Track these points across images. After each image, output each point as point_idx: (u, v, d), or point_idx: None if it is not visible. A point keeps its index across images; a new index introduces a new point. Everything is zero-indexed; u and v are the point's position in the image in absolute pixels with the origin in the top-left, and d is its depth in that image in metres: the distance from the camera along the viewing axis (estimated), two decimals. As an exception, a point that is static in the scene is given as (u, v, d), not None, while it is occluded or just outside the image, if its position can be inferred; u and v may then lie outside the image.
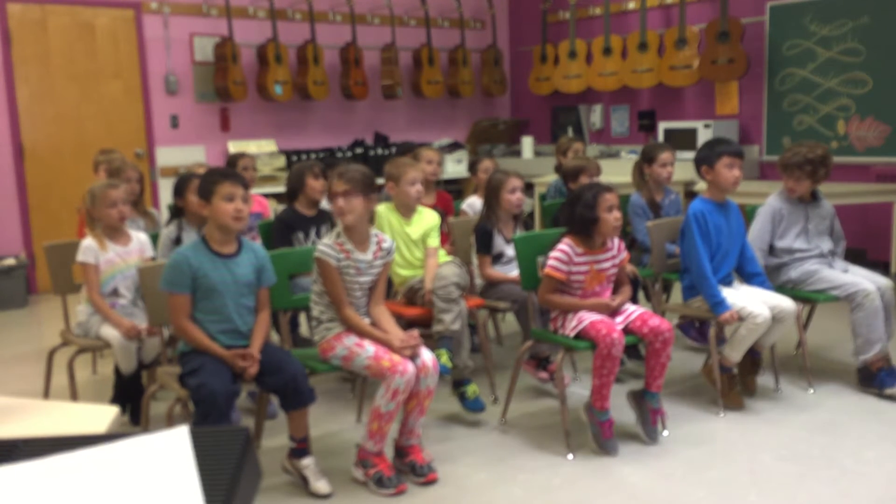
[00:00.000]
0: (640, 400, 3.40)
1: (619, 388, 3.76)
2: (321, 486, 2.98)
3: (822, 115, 6.62)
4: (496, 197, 4.04)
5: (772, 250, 4.06)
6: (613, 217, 3.32)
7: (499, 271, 4.04)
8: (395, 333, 3.09)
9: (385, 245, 3.22)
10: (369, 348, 3.02)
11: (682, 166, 5.51)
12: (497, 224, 4.06)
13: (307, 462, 3.02)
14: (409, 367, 2.95)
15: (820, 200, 4.12)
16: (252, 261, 3.04)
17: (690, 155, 4.57)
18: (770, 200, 4.10)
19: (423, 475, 3.07)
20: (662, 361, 3.32)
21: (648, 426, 3.37)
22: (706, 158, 3.81)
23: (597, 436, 3.29)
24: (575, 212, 3.36)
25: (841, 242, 4.16)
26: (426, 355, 3.07)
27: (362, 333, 3.09)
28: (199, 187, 3.01)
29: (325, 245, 3.11)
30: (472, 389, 3.67)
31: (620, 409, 3.46)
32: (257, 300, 3.07)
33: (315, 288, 3.19)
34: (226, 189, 2.91)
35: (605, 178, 4.19)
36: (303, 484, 3.02)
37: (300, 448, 3.03)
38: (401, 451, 3.15)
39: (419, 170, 3.99)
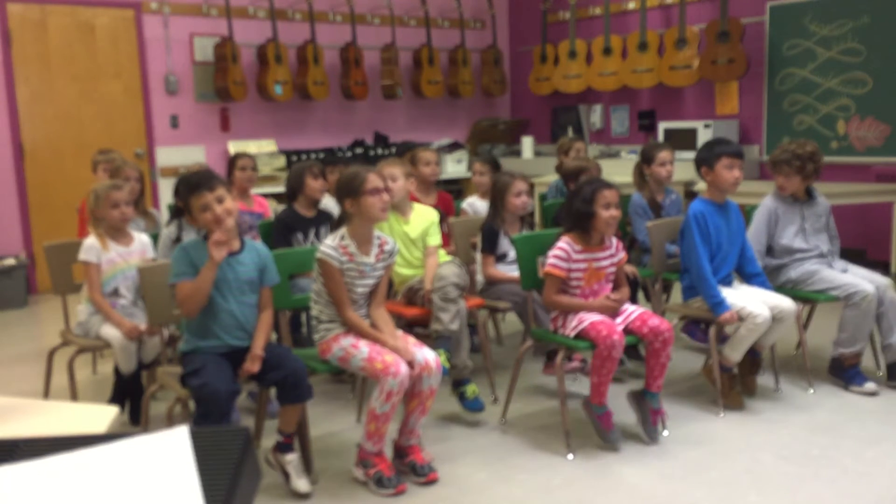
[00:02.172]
0: (641, 400, 3.40)
1: (619, 388, 3.77)
2: (301, 484, 2.99)
3: (822, 115, 6.62)
4: (501, 199, 4.06)
5: (771, 251, 4.07)
6: (609, 214, 3.31)
7: (502, 271, 4.04)
8: (392, 337, 3.08)
9: (387, 248, 3.21)
10: (364, 349, 3.02)
11: (682, 166, 5.51)
12: (503, 224, 4.07)
13: (290, 458, 3.03)
14: (403, 369, 2.94)
15: (815, 198, 4.12)
16: (255, 259, 3.04)
17: (690, 155, 4.58)
18: (765, 201, 4.11)
19: (424, 475, 3.07)
20: (662, 361, 3.33)
21: (649, 426, 3.37)
22: (706, 159, 3.81)
23: (599, 429, 3.34)
24: (573, 206, 3.37)
25: (835, 241, 4.17)
26: (429, 355, 3.07)
27: (363, 335, 3.09)
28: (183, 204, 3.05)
29: (329, 247, 3.09)
30: (471, 389, 3.67)
31: (621, 410, 3.45)
32: (260, 299, 3.07)
33: (314, 287, 3.18)
34: (199, 202, 2.88)
35: (605, 179, 4.19)
36: (284, 480, 3.02)
37: (286, 443, 3.04)
38: (401, 452, 3.15)
39: (396, 164, 3.99)
